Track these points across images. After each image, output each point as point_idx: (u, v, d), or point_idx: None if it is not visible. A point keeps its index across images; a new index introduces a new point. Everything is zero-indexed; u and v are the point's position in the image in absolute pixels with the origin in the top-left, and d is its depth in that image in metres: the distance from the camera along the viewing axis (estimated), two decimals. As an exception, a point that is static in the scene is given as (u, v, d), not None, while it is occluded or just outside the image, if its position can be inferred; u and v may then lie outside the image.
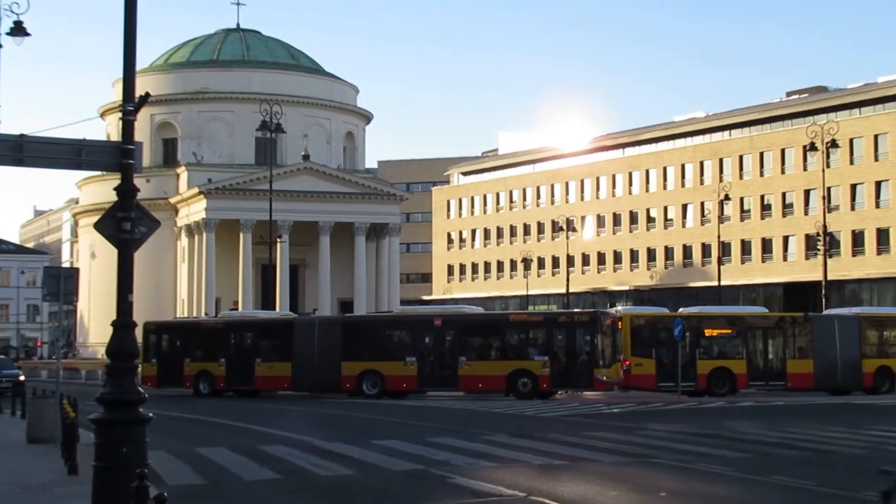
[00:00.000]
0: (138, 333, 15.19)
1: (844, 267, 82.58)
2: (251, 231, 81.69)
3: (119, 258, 13.89)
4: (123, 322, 13.67)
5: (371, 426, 30.40)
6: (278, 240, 71.24)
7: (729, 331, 47.19)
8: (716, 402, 41.29)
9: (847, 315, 48.94)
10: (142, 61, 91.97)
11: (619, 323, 44.75)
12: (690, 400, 42.09)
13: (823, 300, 62.94)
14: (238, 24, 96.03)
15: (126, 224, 13.78)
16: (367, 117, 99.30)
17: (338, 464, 20.51)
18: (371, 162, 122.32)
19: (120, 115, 14.33)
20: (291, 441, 25.03)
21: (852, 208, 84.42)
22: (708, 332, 46.77)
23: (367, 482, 18.45)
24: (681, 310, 49.56)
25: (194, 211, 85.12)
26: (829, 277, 65.88)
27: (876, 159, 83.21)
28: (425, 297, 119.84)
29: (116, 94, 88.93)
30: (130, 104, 14.10)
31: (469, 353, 44.82)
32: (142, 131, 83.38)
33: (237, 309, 76.00)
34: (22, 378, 48.04)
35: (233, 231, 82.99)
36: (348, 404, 41.29)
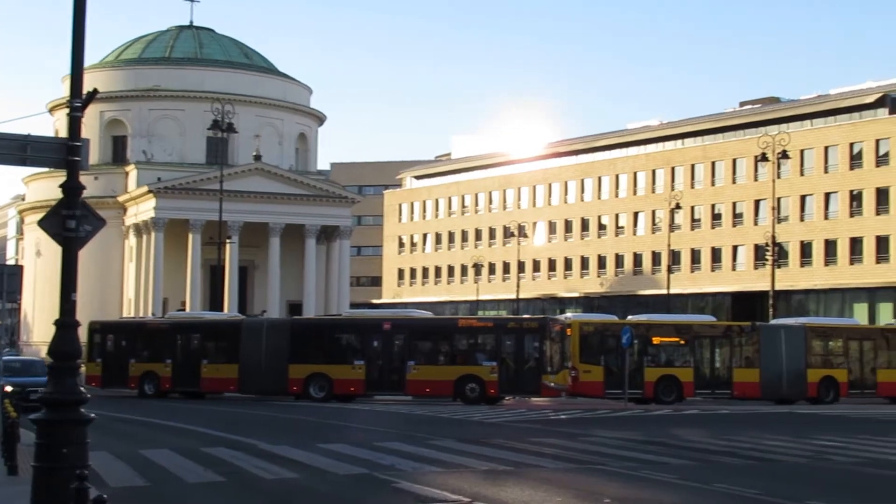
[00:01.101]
0: (82, 333, 15.02)
1: (792, 277, 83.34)
2: (200, 231, 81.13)
3: (63, 256, 13.73)
4: (66, 321, 13.51)
5: (317, 430, 30.24)
6: (228, 241, 70.77)
7: (677, 339, 47.34)
8: (662, 409, 41.48)
9: (793, 325, 49.39)
10: (93, 57, 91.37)
11: (568, 330, 44.82)
12: (637, 407, 42.27)
13: (771, 310, 63.46)
14: (191, 22, 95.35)
15: (71, 222, 13.62)
16: (320, 119, 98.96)
17: (282, 467, 20.37)
18: (324, 164, 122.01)
19: (68, 111, 14.16)
20: (236, 444, 24.85)
21: (801, 219, 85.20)
22: (656, 340, 46.85)
23: (312, 486, 18.35)
24: (629, 317, 49.75)
25: (143, 210, 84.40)
26: (777, 288, 66.46)
27: (826, 171, 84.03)
28: (375, 301, 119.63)
29: (66, 90, 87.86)
30: (78, 100, 13.94)
31: (417, 358, 44.73)
32: (90, 128, 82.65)
33: (184, 310, 75.44)
34: None
35: (182, 231, 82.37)
36: (295, 407, 41.09)
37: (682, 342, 47.12)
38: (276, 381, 45.48)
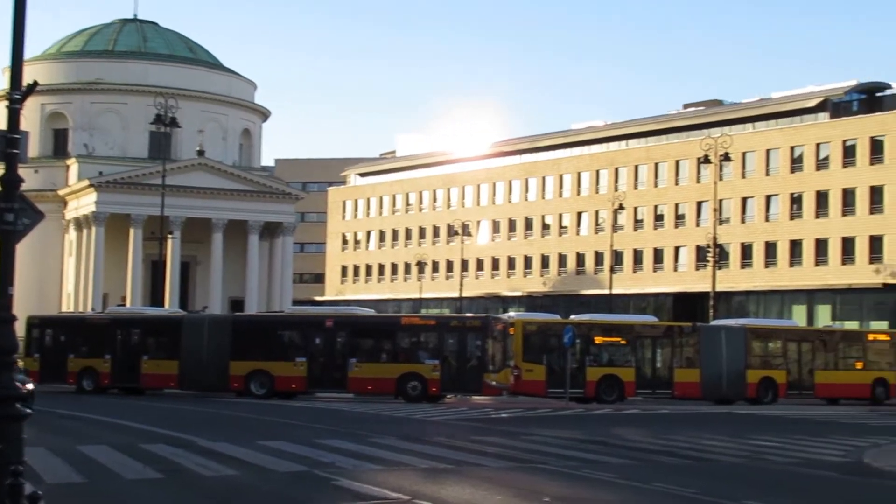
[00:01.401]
0: (20, 328, 14.86)
1: (733, 279, 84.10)
2: (142, 226, 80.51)
3: (0, 250, 13.57)
4: (3, 316, 13.38)
5: (258, 427, 30.09)
6: (169, 236, 70.30)
7: (618, 339, 47.51)
8: (603, 409, 41.69)
9: (734, 326, 49.82)
10: (34, 49, 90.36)
11: (511, 329, 44.90)
12: (578, 406, 42.46)
13: (711, 311, 63.99)
14: (135, 15, 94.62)
15: (9, 215, 13.48)
16: (264, 114, 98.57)
17: (222, 464, 20.24)
18: (268, 160, 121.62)
19: (7, 103, 14.00)
20: (176, 440, 24.67)
21: (742, 221, 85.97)
22: (598, 340, 47.02)
23: (251, 483, 18.24)
24: (572, 317, 49.89)
25: (84, 204, 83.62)
26: (718, 289, 67.04)
27: (767, 174, 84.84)
28: (318, 298, 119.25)
29: (6, 82, 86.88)
30: (17, 92, 13.81)
31: (360, 355, 44.67)
32: (31, 121, 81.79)
33: (125, 305, 74.79)
34: None
35: (123, 225, 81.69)
36: (236, 404, 40.85)
37: (624, 342, 47.31)
38: (218, 378, 45.22)
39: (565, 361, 43.05)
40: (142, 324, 49.27)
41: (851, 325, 74.59)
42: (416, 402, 42.18)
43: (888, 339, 52.36)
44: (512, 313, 53.88)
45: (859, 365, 50.17)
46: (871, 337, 53.07)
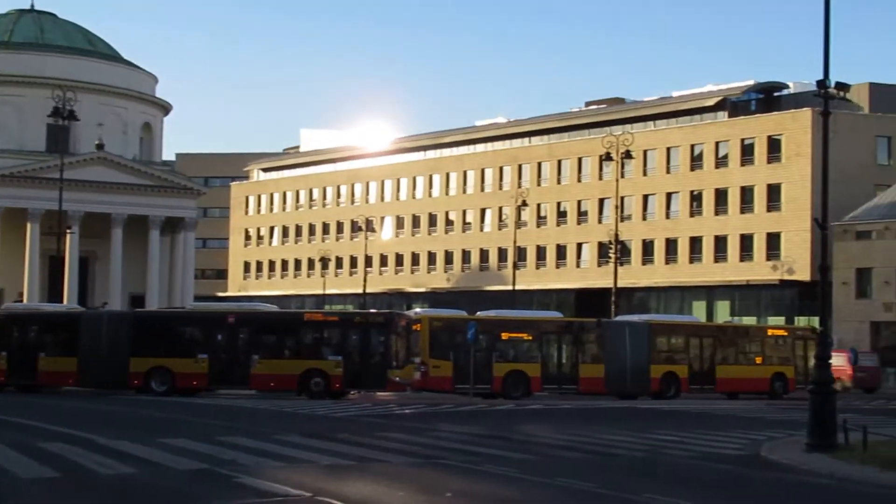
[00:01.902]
0: None
1: (634, 275, 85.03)
2: (39, 221, 79.11)
3: None
4: None
5: (158, 424, 29.67)
6: (68, 231, 69.17)
7: (524, 335, 47.70)
8: (507, 404, 41.86)
9: (637, 322, 50.35)
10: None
11: (416, 325, 44.96)
12: (482, 402, 42.57)
13: (613, 307, 64.61)
14: (32, 5, 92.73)
15: None
16: (165, 108, 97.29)
17: (121, 462, 19.88)
18: (169, 154, 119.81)
19: None
20: (73, 438, 24.20)
21: (644, 218, 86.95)
22: (504, 336, 47.17)
23: (150, 481, 17.96)
24: (478, 313, 49.94)
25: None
26: (620, 285, 67.75)
27: (668, 171, 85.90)
28: (221, 294, 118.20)
29: None
30: None
31: (262, 352, 44.41)
32: (-76, 113, 79.81)
33: (22, 301, 73.43)
34: None
35: (20, 220, 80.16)
36: (136, 401, 40.27)
37: (530, 338, 47.50)
38: (117, 375, 44.50)
39: (470, 357, 43.17)
40: (39, 320, 48.40)
41: (750, 320, 75.88)
42: (319, 399, 42.03)
43: (786, 334, 53.35)
44: (418, 309, 54.05)
45: (759, 360, 51.08)
46: (769, 332, 54.05)
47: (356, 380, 43.64)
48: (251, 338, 45.04)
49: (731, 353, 50.74)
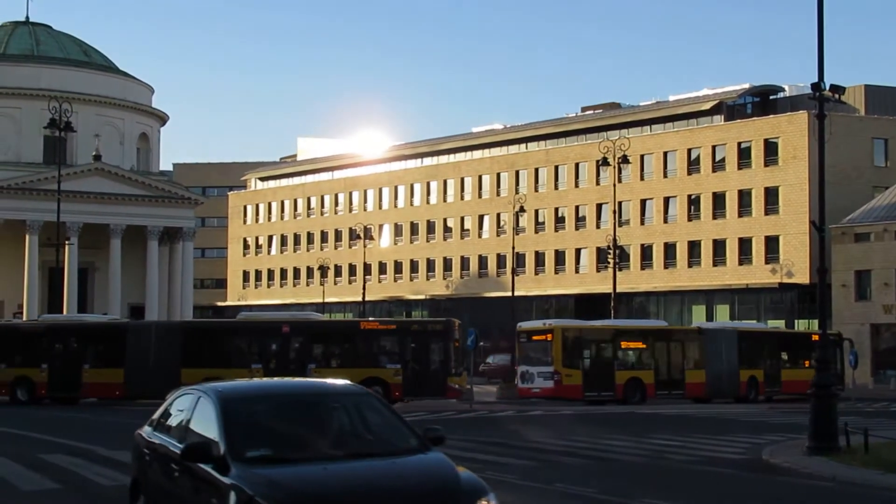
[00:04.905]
0: None
1: (633, 280, 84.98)
2: (38, 232, 79.04)
3: None
4: None
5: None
6: (67, 242, 69.08)
7: (639, 343, 50.05)
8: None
9: (729, 329, 54.36)
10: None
11: (547, 335, 47.23)
12: (483, 408, 42.36)
13: (612, 312, 64.55)
14: (27, 17, 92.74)
15: None
16: (162, 118, 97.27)
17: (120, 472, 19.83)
18: (166, 164, 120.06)
19: None
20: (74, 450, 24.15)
21: (642, 223, 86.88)
22: (623, 345, 49.42)
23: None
24: (594, 322, 53.23)
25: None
26: (619, 290, 67.65)
27: (665, 175, 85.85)
28: (220, 304, 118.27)
29: None
30: None
31: (317, 360, 44.34)
32: (-79, 126, 79.77)
33: (21, 313, 73.48)
34: None
35: (18, 232, 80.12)
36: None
37: (644, 346, 50.01)
38: (167, 386, 42.92)
39: (600, 365, 47.10)
40: (82, 331, 47.87)
41: (749, 324, 75.78)
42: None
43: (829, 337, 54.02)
44: (549, 321, 54.79)
45: (807, 363, 52.42)
46: (814, 338, 53.97)
47: (416, 388, 43.27)
48: (305, 347, 44.99)
49: (792, 358, 54.20)
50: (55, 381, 45.59)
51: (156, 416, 12.09)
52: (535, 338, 47.97)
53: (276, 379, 12.65)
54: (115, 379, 44.70)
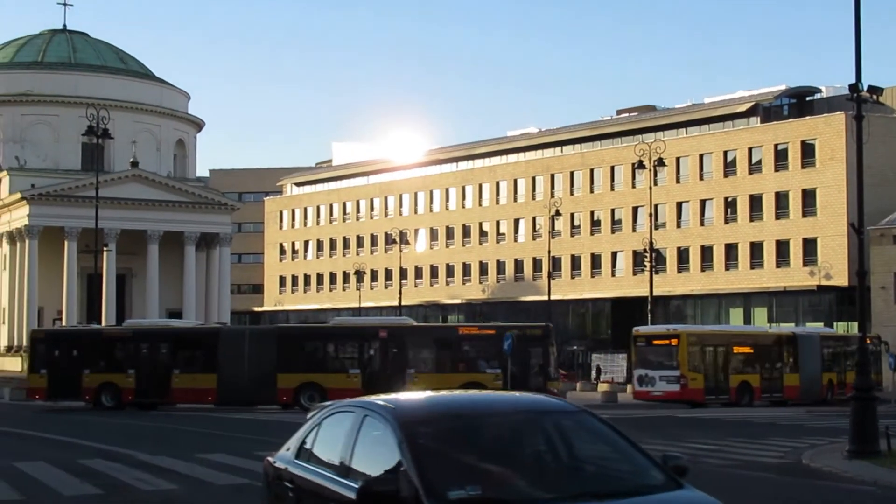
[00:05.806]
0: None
1: (670, 283, 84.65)
2: (76, 239, 79.67)
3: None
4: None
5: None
6: (105, 248, 69.62)
7: (748, 348, 51.49)
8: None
9: (813, 334, 55.34)
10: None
11: (673, 340, 48.38)
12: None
13: (649, 315, 64.35)
14: (65, 25, 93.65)
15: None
16: (198, 125, 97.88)
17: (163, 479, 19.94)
18: (202, 170, 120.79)
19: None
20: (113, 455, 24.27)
21: (678, 226, 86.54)
22: (735, 350, 50.61)
23: (191, 498, 17.97)
24: (705, 327, 56.12)
25: (16, 217, 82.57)
26: (656, 293, 67.47)
27: (701, 178, 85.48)
28: (257, 309, 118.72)
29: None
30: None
31: (416, 366, 44.51)
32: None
33: (61, 319, 74.05)
34: None
35: (57, 238, 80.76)
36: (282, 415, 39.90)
37: (751, 351, 51.49)
38: (263, 391, 44.13)
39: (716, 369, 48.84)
40: (171, 337, 47.73)
41: (788, 326, 75.35)
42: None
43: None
44: (676, 326, 57.31)
45: None
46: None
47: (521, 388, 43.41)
48: (403, 352, 45.03)
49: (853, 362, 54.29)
50: (142, 386, 45.39)
51: (295, 439, 9.68)
52: (655, 342, 49.08)
53: (456, 392, 9.82)
54: (207, 384, 44.44)
